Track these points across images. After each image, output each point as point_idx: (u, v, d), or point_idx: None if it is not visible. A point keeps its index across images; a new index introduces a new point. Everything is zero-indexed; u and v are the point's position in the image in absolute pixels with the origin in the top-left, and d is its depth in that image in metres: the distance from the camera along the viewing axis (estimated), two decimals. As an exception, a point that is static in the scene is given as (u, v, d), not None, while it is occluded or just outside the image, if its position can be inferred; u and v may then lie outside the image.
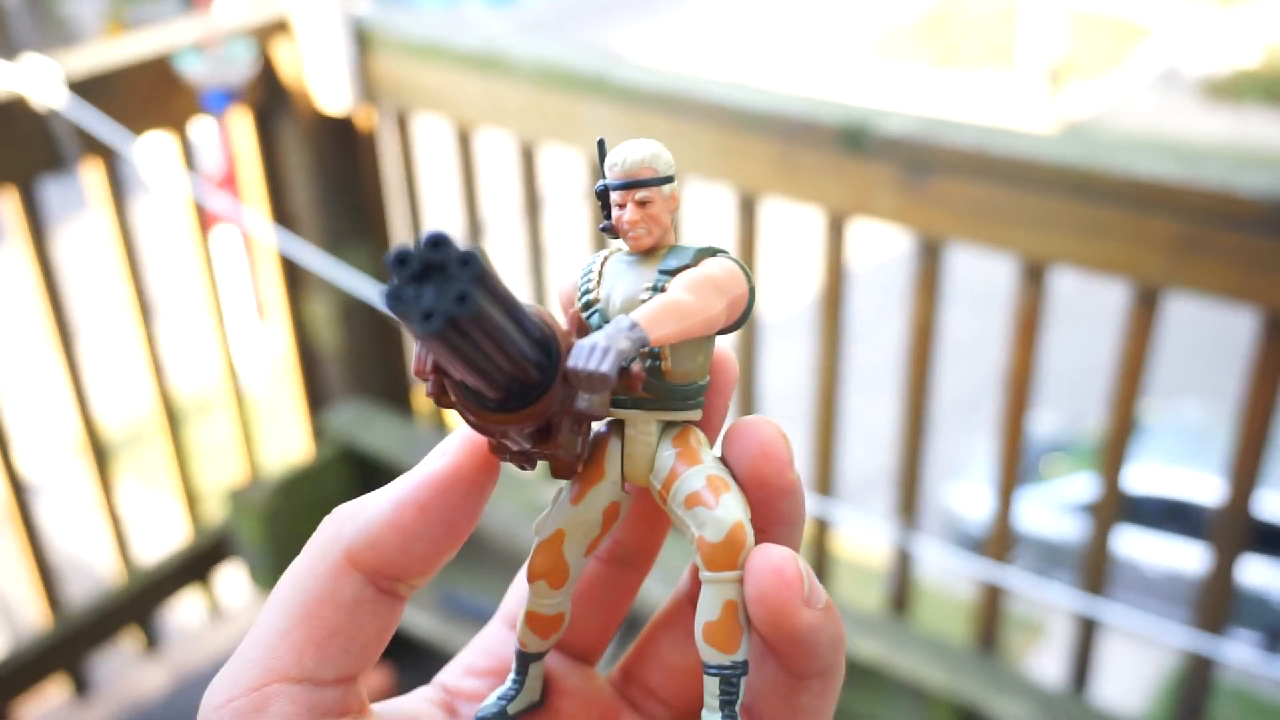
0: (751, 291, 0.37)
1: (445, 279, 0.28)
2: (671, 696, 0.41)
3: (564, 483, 0.38)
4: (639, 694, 0.42)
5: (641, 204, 0.37)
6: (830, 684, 0.37)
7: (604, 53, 1.66)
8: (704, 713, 0.35)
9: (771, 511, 0.36)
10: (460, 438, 0.36)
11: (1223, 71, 10.47)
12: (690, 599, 0.41)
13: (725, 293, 0.36)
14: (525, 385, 0.33)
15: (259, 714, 0.33)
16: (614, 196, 0.37)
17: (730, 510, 0.35)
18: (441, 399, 0.33)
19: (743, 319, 0.37)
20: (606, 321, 0.37)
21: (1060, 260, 1.34)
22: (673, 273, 0.36)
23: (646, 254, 0.37)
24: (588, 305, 0.37)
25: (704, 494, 0.35)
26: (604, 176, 0.37)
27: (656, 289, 0.36)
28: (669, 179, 0.37)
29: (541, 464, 0.37)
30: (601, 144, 0.38)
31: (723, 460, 0.37)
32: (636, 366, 0.34)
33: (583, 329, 0.36)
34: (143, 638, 2.09)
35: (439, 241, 0.28)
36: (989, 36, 11.18)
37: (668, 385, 0.37)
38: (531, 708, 0.40)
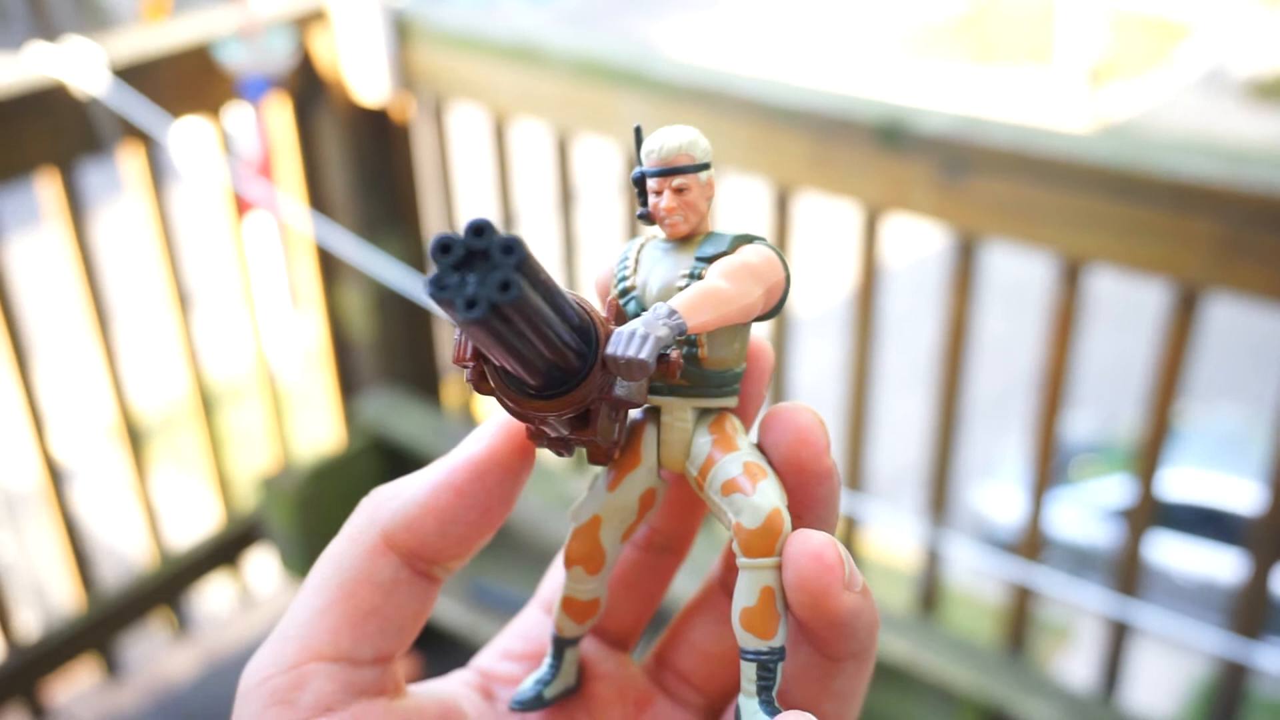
0: (788, 279, 0.37)
1: (488, 266, 0.28)
2: (704, 682, 0.41)
3: (600, 469, 0.38)
4: (672, 680, 0.42)
5: (678, 191, 0.37)
6: (865, 666, 0.37)
7: (640, 46, 1.66)
8: (740, 698, 0.35)
9: (808, 496, 0.36)
10: (497, 423, 0.36)
11: (1267, 72, 10.32)
12: (723, 585, 0.41)
13: (763, 280, 0.36)
14: (565, 372, 0.33)
15: (297, 691, 0.33)
16: (651, 184, 0.37)
17: (768, 497, 0.35)
18: (481, 386, 0.33)
19: (779, 306, 0.37)
20: (643, 309, 0.37)
21: (1099, 260, 1.32)
22: (709, 259, 0.36)
23: (683, 241, 0.37)
24: (624, 292, 0.37)
25: (741, 480, 0.35)
26: (640, 164, 0.37)
27: (694, 276, 0.36)
28: (705, 166, 0.37)
29: (578, 451, 0.37)
30: (638, 130, 0.38)
31: (759, 447, 0.37)
32: (675, 353, 0.34)
33: (620, 316, 0.36)
34: (173, 621, 2.11)
35: (481, 229, 0.28)
36: (1028, 34, 11.07)
37: (704, 372, 0.37)
38: (567, 692, 0.40)
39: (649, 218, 0.37)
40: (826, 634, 0.34)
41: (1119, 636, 1.55)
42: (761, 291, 0.35)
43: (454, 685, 0.40)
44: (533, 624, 0.43)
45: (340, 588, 0.35)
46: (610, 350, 0.31)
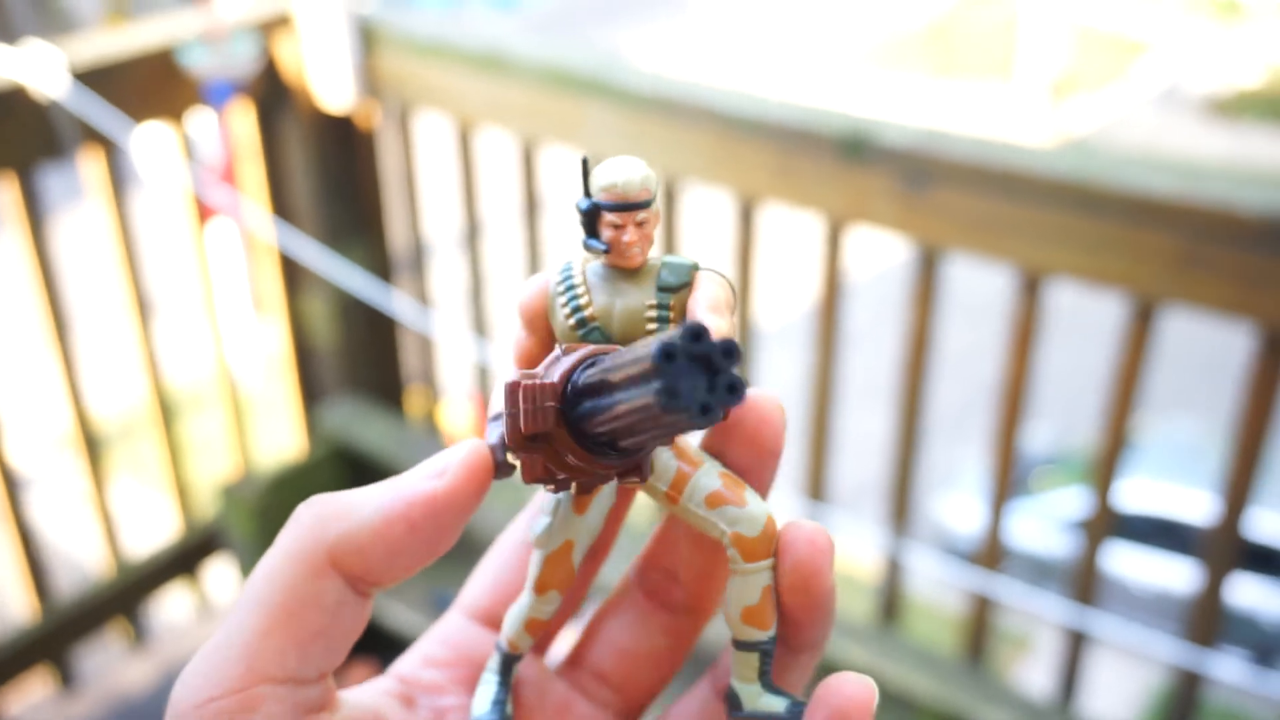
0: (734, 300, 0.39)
1: (711, 370, 0.28)
2: (622, 681, 0.42)
3: (563, 495, 0.39)
4: (589, 681, 0.42)
5: (640, 225, 0.37)
6: (816, 658, 0.40)
7: (606, 55, 1.66)
8: (736, 684, 0.38)
9: (763, 476, 0.39)
10: (459, 461, 0.36)
11: (1224, 89, 10.50)
12: (641, 585, 0.42)
13: (733, 309, 0.37)
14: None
15: (246, 714, 0.33)
16: (611, 217, 0.37)
17: (760, 505, 0.37)
18: (542, 477, 0.35)
19: None
20: (608, 339, 0.37)
21: (1058, 272, 1.34)
22: (673, 290, 0.37)
23: (629, 269, 0.38)
24: (583, 322, 0.38)
25: (727, 493, 0.37)
26: (588, 194, 0.38)
27: (662, 306, 0.37)
28: (654, 197, 0.38)
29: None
30: (585, 161, 0.38)
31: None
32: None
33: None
34: (130, 631, 2.08)
35: (700, 334, 0.28)
36: (990, 48, 11.20)
37: None
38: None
39: (595, 246, 0.38)
40: (808, 616, 0.37)
41: (1076, 646, 1.57)
42: (733, 318, 0.37)
43: (375, 695, 0.39)
44: (455, 630, 0.43)
45: (284, 608, 0.34)
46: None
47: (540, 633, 0.40)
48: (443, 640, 0.42)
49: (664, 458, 0.38)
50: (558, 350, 0.35)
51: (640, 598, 0.42)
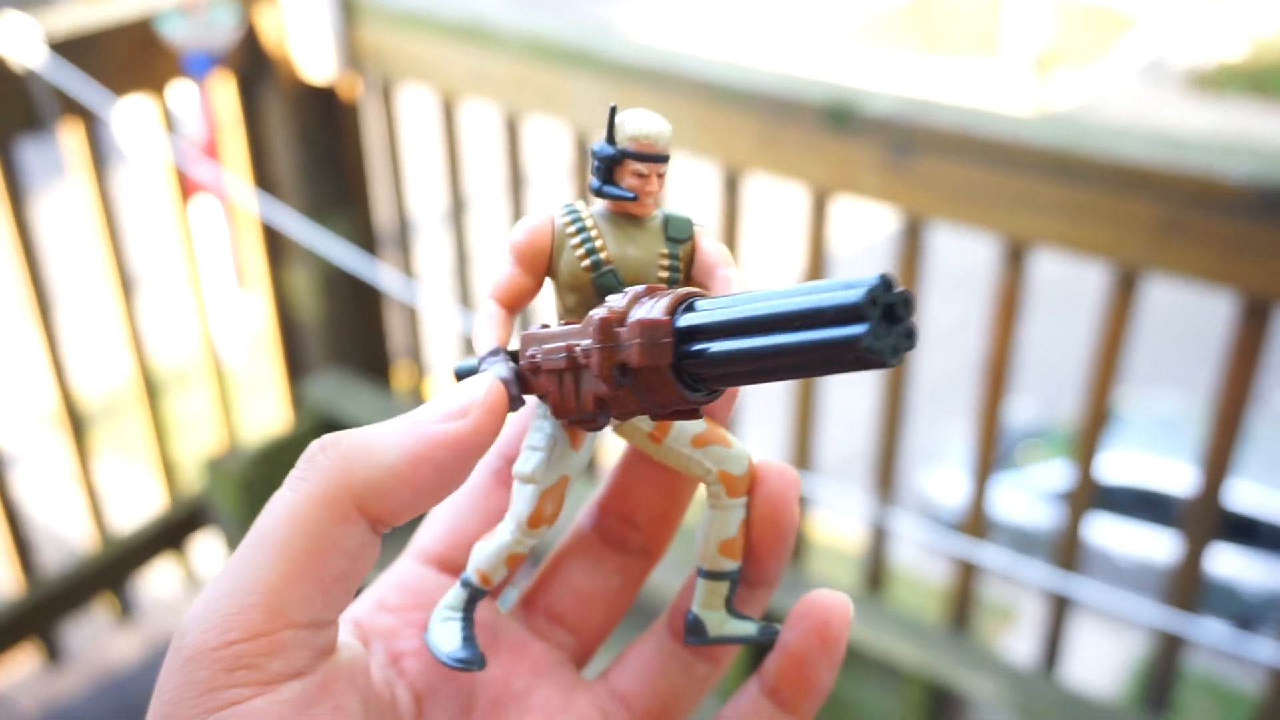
0: None
1: (895, 318, 0.30)
2: (577, 623, 0.43)
3: (554, 431, 0.39)
4: (544, 623, 0.43)
5: (661, 176, 0.39)
6: (770, 594, 0.42)
7: (590, 26, 1.66)
8: (702, 611, 0.40)
9: (779, 551, 0.41)
10: (482, 398, 0.36)
11: (1208, 63, 10.50)
12: (597, 530, 0.44)
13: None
14: None
15: (268, 658, 0.33)
16: (638, 166, 0.38)
17: (742, 446, 0.40)
18: (595, 420, 0.36)
19: None
20: (620, 283, 0.38)
21: (1042, 241, 1.34)
22: (680, 242, 0.39)
23: (633, 217, 0.39)
24: (597, 265, 0.38)
25: (710, 434, 0.40)
26: (611, 140, 0.38)
27: (673, 256, 0.39)
28: None
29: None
30: (614, 110, 0.38)
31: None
32: None
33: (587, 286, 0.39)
34: (117, 606, 2.08)
35: (892, 283, 0.30)
36: (975, 23, 11.18)
37: None
38: None
39: (603, 193, 0.39)
40: (773, 550, 0.40)
41: (1059, 613, 1.58)
42: None
43: (346, 636, 0.39)
44: (408, 574, 0.43)
45: (310, 554, 0.33)
46: None
47: (517, 566, 0.40)
48: (396, 585, 0.42)
49: None
50: (630, 291, 0.35)
51: (596, 541, 0.44)
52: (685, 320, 0.33)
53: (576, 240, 0.39)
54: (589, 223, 0.39)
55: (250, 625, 0.33)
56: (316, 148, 1.92)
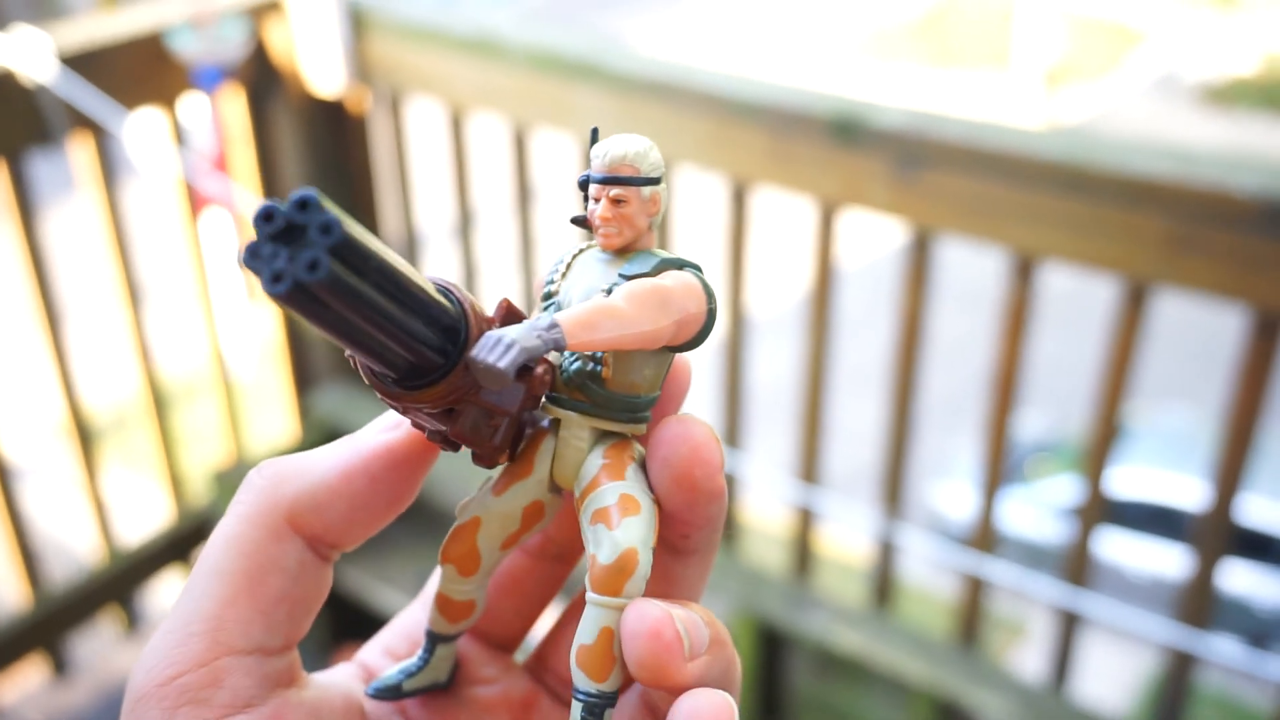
0: (711, 313, 0.35)
1: (303, 243, 0.27)
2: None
3: (492, 471, 0.37)
4: (554, 680, 0.42)
5: (616, 202, 0.35)
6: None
7: (598, 39, 1.66)
8: None
9: (697, 516, 0.35)
10: None
11: (1220, 77, 10.49)
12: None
13: (673, 309, 0.34)
14: (421, 366, 0.32)
15: (211, 689, 0.32)
16: (591, 189, 0.36)
17: (629, 534, 0.33)
18: (360, 372, 0.33)
19: (697, 340, 0.35)
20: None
21: (1051, 255, 1.34)
22: (630, 278, 0.35)
23: (618, 254, 0.36)
24: (547, 296, 0.37)
25: (611, 512, 0.34)
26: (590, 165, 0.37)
27: (609, 291, 0.34)
28: (652, 181, 0.36)
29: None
30: (595, 132, 0.37)
31: (643, 467, 0.36)
32: (541, 368, 0.34)
33: (513, 318, 0.35)
34: (124, 618, 2.08)
35: (306, 203, 0.27)
36: (985, 37, 11.18)
37: (608, 394, 0.35)
38: (435, 686, 0.39)
39: (584, 223, 0.36)
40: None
41: (1069, 629, 1.57)
42: (671, 321, 0.34)
43: (344, 677, 0.39)
44: (415, 623, 0.42)
45: (245, 575, 0.33)
46: (473, 353, 0.30)
47: (456, 614, 0.38)
48: (403, 633, 0.42)
49: (592, 463, 0.36)
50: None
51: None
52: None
53: (547, 277, 0.37)
54: (567, 259, 0.37)
55: (191, 656, 0.32)
56: (325, 160, 1.92)
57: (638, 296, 0.33)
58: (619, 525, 0.33)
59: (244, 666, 0.32)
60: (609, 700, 0.33)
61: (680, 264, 0.35)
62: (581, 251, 0.37)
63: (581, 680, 0.33)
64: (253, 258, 0.27)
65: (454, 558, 0.37)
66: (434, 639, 0.39)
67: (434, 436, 0.34)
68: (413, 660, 0.39)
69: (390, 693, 0.38)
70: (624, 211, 0.35)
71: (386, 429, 0.35)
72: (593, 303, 0.33)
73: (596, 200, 0.36)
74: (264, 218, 0.27)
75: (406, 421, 0.35)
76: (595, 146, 0.36)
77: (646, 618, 0.32)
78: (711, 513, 0.35)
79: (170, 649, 0.32)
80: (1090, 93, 10.45)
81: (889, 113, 1.36)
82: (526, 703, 0.41)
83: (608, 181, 0.35)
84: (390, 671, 0.38)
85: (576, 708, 0.33)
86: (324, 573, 0.35)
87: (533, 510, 0.37)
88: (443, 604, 0.38)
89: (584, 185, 0.36)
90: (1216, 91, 10.29)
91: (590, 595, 0.33)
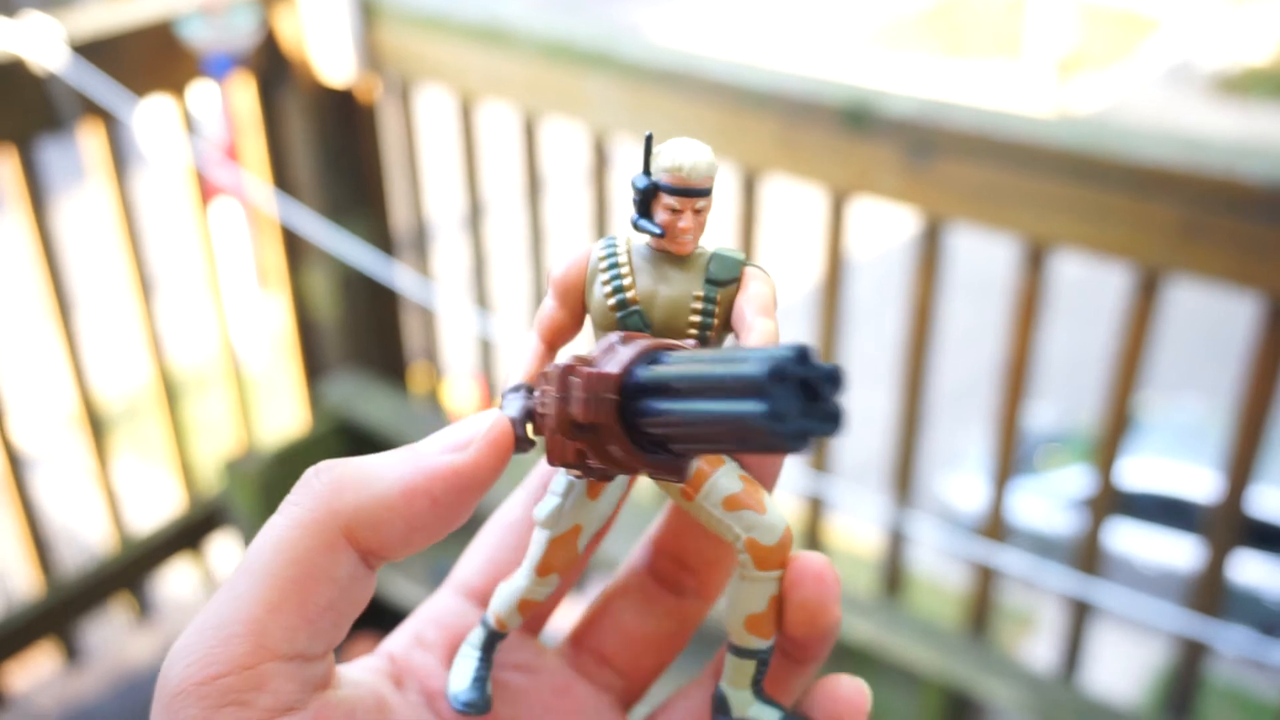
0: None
1: (812, 396, 0.27)
2: (627, 665, 0.42)
3: (575, 478, 0.37)
4: (591, 663, 0.42)
5: (698, 212, 0.36)
6: (817, 670, 0.39)
7: (608, 28, 1.65)
8: (727, 688, 0.38)
9: (821, 647, 0.38)
10: (484, 433, 0.35)
11: (1232, 67, 10.43)
12: (651, 571, 0.42)
13: (777, 307, 0.37)
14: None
15: (254, 692, 0.31)
16: (669, 200, 0.36)
17: (779, 514, 0.37)
18: (573, 463, 0.34)
19: None
20: (647, 324, 0.36)
21: (1062, 243, 1.33)
22: (721, 284, 0.36)
23: (676, 255, 0.37)
24: (623, 304, 0.37)
25: (746, 497, 0.36)
26: (648, 172, 0.36)
27: (709, 300, 0.36)
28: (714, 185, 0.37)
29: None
30: (649, 139, 0.37)
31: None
32: None
33: (610, 327, 0.36)
34: (135, 606, 2.09)
35: (808, 356, 0.27)
36: (997, 26, 11.13)
37: None
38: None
39: (649, 228, 0.37)
40: (814, 644, 0.38)
41: (1080, 619, 1.57)
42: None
43: (369, 673, 0.38)
44: (447, 611, 0.41)
45: (295, 582, 0.32)
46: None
47: (531, 613, 0.39)
48: (435, 620, 0.41)
49: None
50: (613, 337, 0.33)
51: (649, 582, 0.42)
52: (641, 376, 0.31)
53: (606, 277, 0.37)
54: (622, 259, 0.37)
55: (234, 658, 0.31)
56: (335, 150, 1.92)
57: (771, 310, 0.36)
58: (768, 509, 0.36)
59: (286, 672, 0.32)
60: (772, 652, 0.38)
61: (743, 261, 0.37)
62: (629, 249, 0.37)
63: (755, 642, 0.37)
64: (777, 421, 0.27)
65: (560, 566, 0.38)
66: (496, 639, 0.39)
67: (592, 471, 0.34)
68: (477, 665, 0.39)
69: (485, 705, 0.38)
70: (703, 219, 0.37)
71: (452, 449, 0.34)
72: (770, 331, 0.35)
73: (678, 211, 0.36)
74: (778, 377, 0.27)
75: (475, 444, 0.34)
76: (664, 156, 0.36)
77: (813, 561, 0.37)
78: (831, 637, 0.38)
79: (211, 647, 0.32)
80: (1102, 82, 10.40)
81: (900, 101, 1.36)
82: (561, 688, 0.41)
83: (696, 194, 0.36)
84: (464, 686, 0.38)
85: (749, 664, 0.37)
86: (370, 582, 0.35)
87: (620, 502, 0.39)
88: (526, 607, 0.39)
89: (646, 190, 0.36)
90: (1229, 81, 10.23)
91: (757, 574, 0.36)
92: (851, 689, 0.38)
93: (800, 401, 0.27)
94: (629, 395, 0.31)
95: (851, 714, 0.37)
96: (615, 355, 0.32)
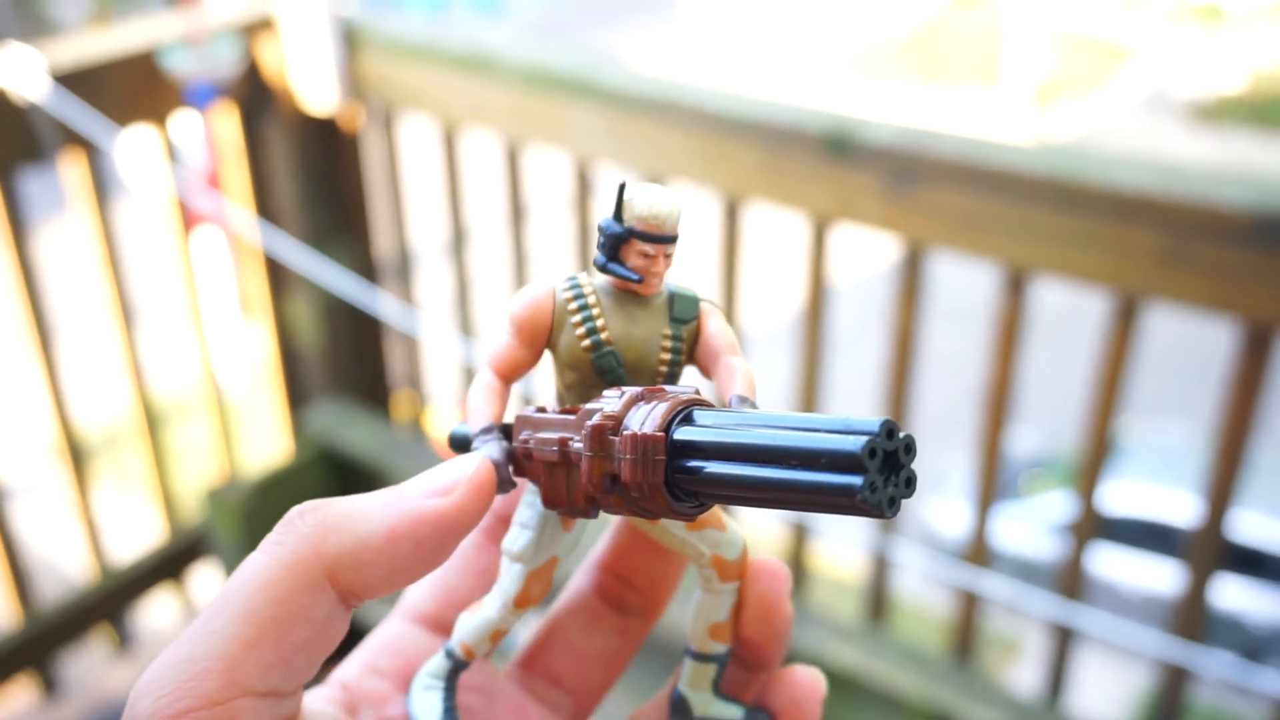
0: None
1: (894, 464, 0.29)
2: (576, 685, 0.42)
3: (548, 511, 0.38)
4: (541, 685, 0.42)
5: (668, 257, 0.38)
6: (771, 673, 0.41)
7: (591, 56, 1.66)
8: (687, 691, 0.40)
9: (778, 647, 0.41)
10: (469, 477, 0.35)
11: (1207, 94, 10.55)
12: (599, 591, 0.43)
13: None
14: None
15: None
16: (644, 247, 0.37)
17: (737, 531, 0.39)
18: (586, 513, 0.35)
19: None
20: (620, 365, 0.37)
21: (1042, 270, 1.34)
22: (685, 322, 0.38)
23: (640, 295, 0.38)
24: (598, 345, 0.37)
25: (708, 517, 0.38)
26: (619, 218, 0.37)
27: (676, 338, 0.38)
28: None
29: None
30: (623, 187, 0.37)
31: None
32: None
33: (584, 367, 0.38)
34: (115, 637, 2.07)
35: (894, 431, 0.29)
36: (975, 54, 11.24)
37: None
38: None
39: (625, 274, 0.37)
40: (769, 644, 0.40)
41: (1064, 644, 1.57)
42: None
43: (321, 703, 0.38)
44: (398, 637, 0.42)
45: (273, 621, 0.32)
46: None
47: (500, 640, 0.40)
48: (387, 648, 0.41)
49: None
50: (628, 391, 0.33)
51: (595, 601, 0.43)
52: (681, 435, 0.32)
53: (578, 318, 0.37)
54: (591, 299, 0.38)
55: (206, 693, 0.31)
56: (318, 178, 1.92)
57: (736, 347, 0.39)
58: (726, 525, 0.39)
59: (258, 708, 0.32)
60: (729, 654, 0.41)
61: (698, 298, 0.39)
62: (594, 289, 0.38)
63: (717, 647, 0.40)
64: (873, 492, 0.28)
65: (536, 598, 0.39)
66: (461, 668, 0.40)
67: (592, 514, 0.35)
68: (442, 696, 0.39)
69: None
70: (670, 263, 0.38)
71: (435, 493, 0.34)
72: (749, 376, 0.37)
73: (651, 257, 0.37)
74: (871, 454, 0.28)
75: (460, 488, 0.34)
76: (638, 204, 0.37)
77: (766, 562, 0.40)
78: (785, 637, 0.41)
79: (183, 681, 0.31)
80: (1080, 109, 10.50)
81: (881, 129, 1.37)
82: (514, 709, 0.41)
83: (668, 240, 0.37)
84: (433, 717, 0.39)
85: (710, 668, 0.40)
86: (346, 621, 0.35)
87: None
88: (497, 636, 0.39)
89: (616, 235, 0.37)
90: (1205, 108, 10.34)
91: (721, 586, 0.39)
92: (807, 677, 0.40)
93: (886, 470, 0.29)
94: (671, 454, 0.32)
95: (808, 700, 0.40)
96: (644, 412, 0.32)
